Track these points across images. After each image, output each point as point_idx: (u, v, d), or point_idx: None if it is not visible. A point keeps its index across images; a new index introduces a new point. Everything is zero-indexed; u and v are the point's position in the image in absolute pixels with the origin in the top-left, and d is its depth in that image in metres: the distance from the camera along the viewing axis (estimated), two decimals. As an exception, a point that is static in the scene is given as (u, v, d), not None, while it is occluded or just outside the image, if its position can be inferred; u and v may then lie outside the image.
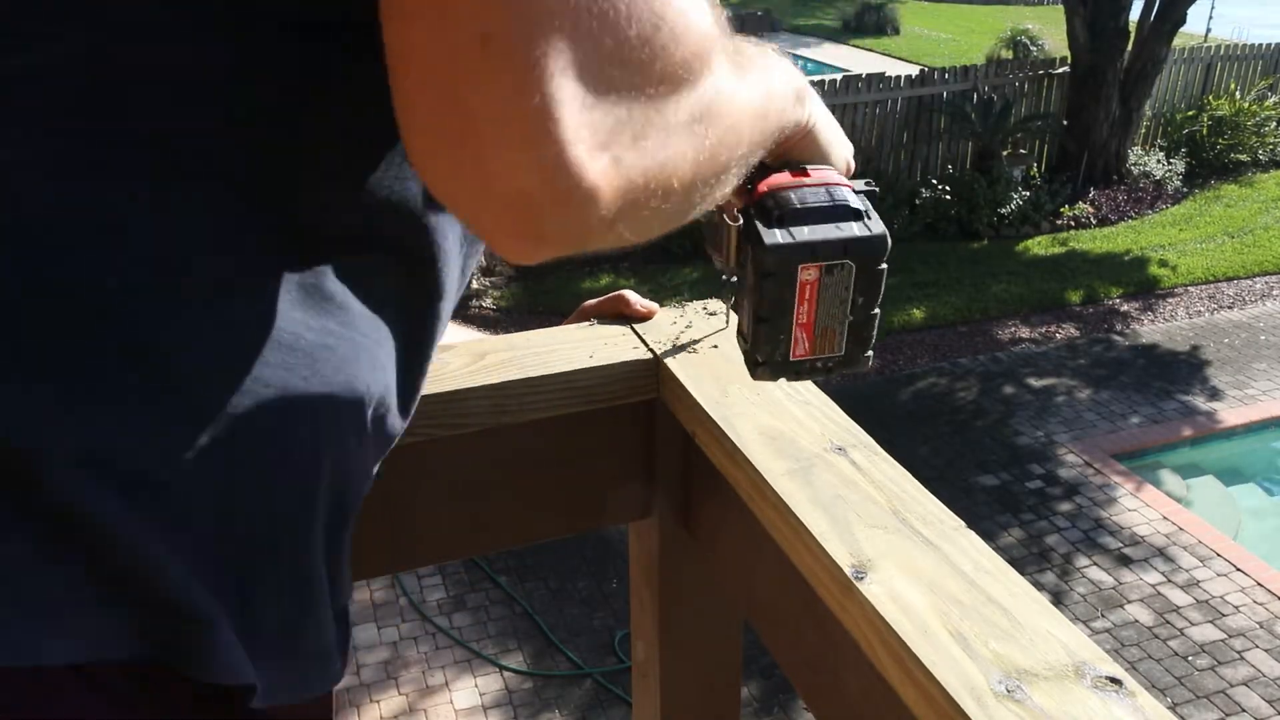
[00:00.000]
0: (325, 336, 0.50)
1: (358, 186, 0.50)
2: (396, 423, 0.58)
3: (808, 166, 0.64)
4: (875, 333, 0.65)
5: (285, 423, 0.48)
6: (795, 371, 0.66)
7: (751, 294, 0.62)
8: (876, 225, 0.61)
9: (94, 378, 0.43)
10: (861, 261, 0.61)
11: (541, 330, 0.92)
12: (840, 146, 0.68)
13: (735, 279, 0.67)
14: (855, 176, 0.68)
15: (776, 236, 0.59)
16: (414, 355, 0.58)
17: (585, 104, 0.39)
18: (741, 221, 0.62)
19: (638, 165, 0.42)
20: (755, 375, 0.67)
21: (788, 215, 0.60)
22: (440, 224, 0.54)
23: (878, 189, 0.66)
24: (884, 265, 0.62)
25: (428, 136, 0.40)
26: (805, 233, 0.60)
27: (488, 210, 0.41)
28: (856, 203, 0.62)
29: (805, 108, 0.64)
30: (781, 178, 0.62)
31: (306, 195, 0.49)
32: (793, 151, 0.65)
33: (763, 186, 0.62)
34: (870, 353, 0.66)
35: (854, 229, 0.60)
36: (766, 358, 0.64)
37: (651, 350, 0.87)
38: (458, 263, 0.58)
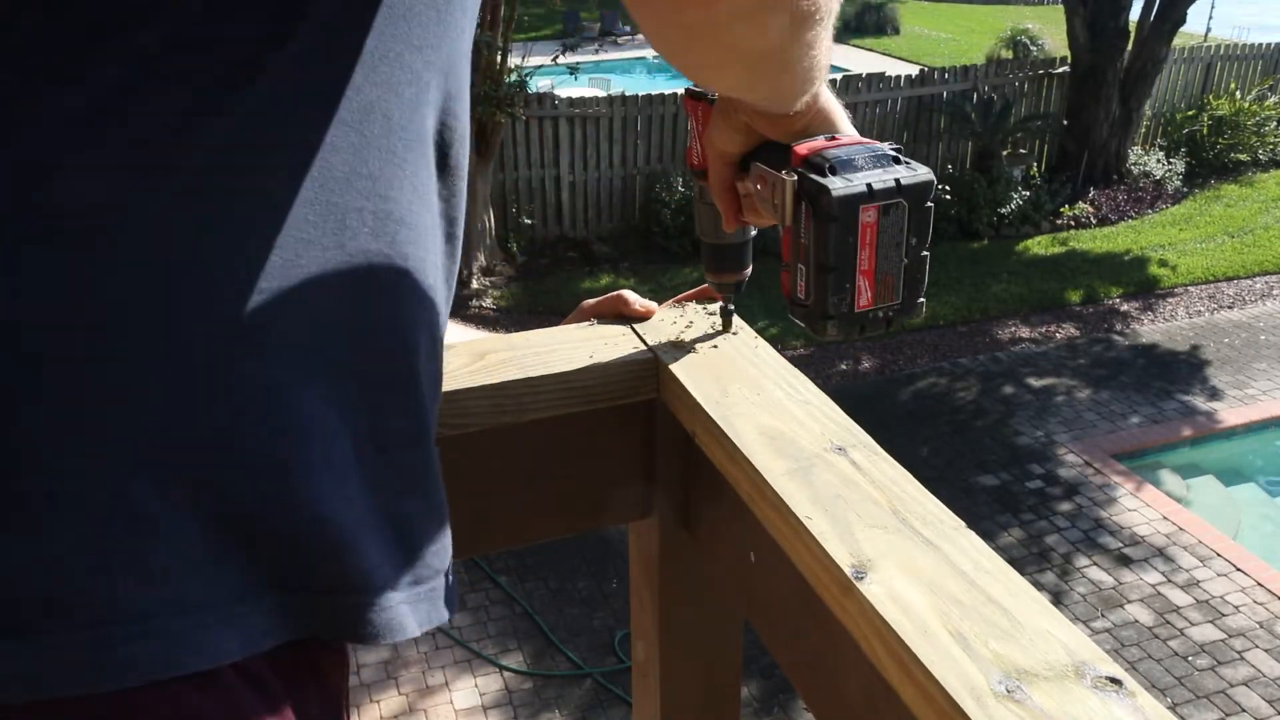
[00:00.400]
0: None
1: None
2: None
3: (834, 135, 0.68)
4: (927, 276, 0.69)
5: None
6: (861, 324, 0.69)
7: (816, 246, 0.65)
8: (920, 167, 0.66)
9: None
10: (913, 200, 0.65)
11: (541, 330, 0.92)
12: (848, 123, 0.72)
13: (790, 251, 0.69)
14: None
15: (836, 183, 0.63)
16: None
17: None
18: (796, 178, 0.65)
19: None
20: (822, 332, 0.69)
21: (838, 165, 0.64)
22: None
23: (903, 148, 0.69)
24: (931, 204, 0.66)
25: None
26: (859, 177, 0.64)
27: None
28: (893, 152, 0.67)
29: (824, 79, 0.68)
30: (817, 143, 0.66)
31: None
32: (812, 126, 0.69)
33: (802, 150, 0.66)
34: (924, 299, 0.70)
35: (900, 171, 0.65)
36: (835, 310, 0.67)
37: (652, 350, 0.87)
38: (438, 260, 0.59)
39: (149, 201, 0.44)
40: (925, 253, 0.68)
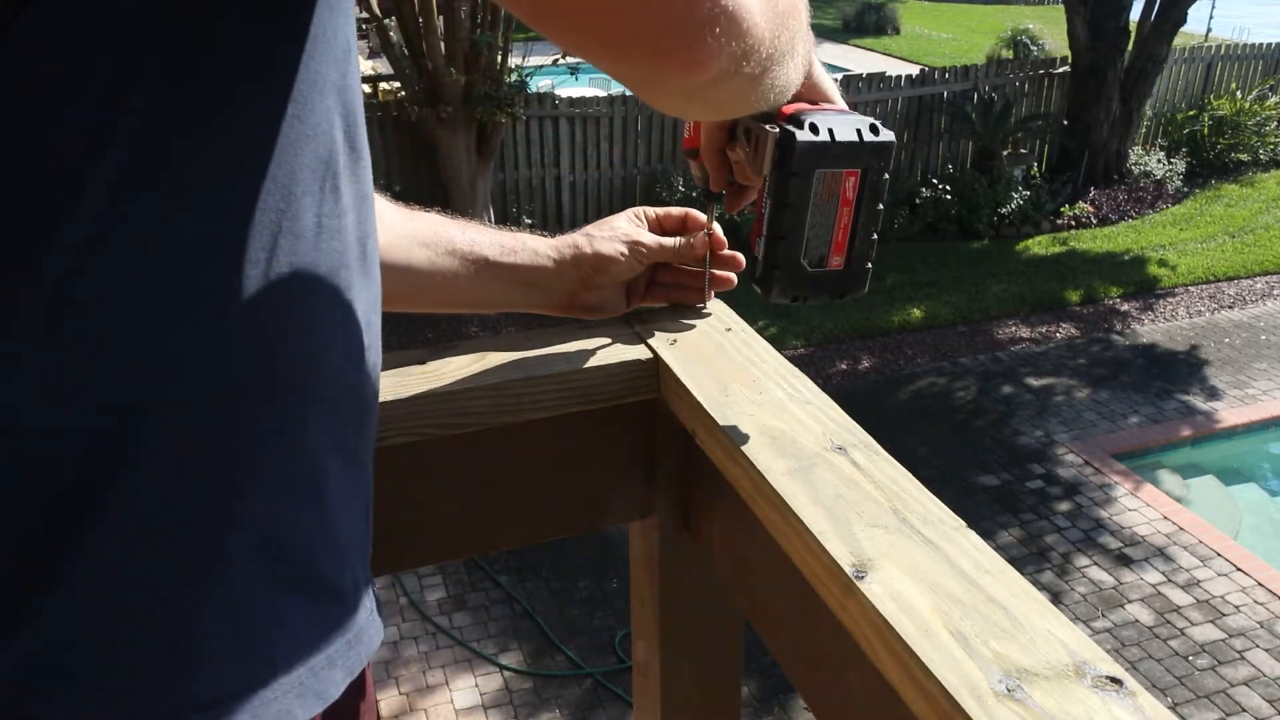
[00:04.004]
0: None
1: None
2: None
3: (821, 104, 0.72)
4: (875, 247, 0.73)
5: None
6: (808, 284, 0.72)
7: (777, 194, 0.69)
8: (886, 133, 0.70)
9: None
10: (876, 164, 0.69)
11: (542, 330, 0.92)
12: (840, 97, 0.75)
13: (767, 201, 0.71)
14: None
15: (804, 135, 0.67)
16: None
17: None
18: (778, 131, 0.68)
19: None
20: (768, 288, 0.72)
21: (818, 125, 0.68)
22: None
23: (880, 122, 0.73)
24: (887, 175, 0.71)
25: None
26: (828, 134, 0.68)
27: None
28: (871, 122, 0.70)
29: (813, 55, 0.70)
30: (800, 105, 0.70)
31: None
32: (803, 94, 0.71)
33: (788, 109, 0.69)
34: (870, 268, 0.74)
35: (867, 134, 0.69)
36: (784, 261, 0.70)
37: (652, 350, 0.87)
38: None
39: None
40: (878, 219, 0.72)
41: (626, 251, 0.88)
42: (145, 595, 0.47)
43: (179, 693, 0.47)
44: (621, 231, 0.90)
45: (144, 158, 0.43)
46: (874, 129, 0.69)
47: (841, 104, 0.73)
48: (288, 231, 0.49)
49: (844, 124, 0.68)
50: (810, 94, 0.72)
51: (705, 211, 0.89)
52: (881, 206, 0.71)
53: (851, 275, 0.73)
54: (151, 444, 0.46)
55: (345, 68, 0.51)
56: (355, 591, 0.56)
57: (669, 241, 0.90)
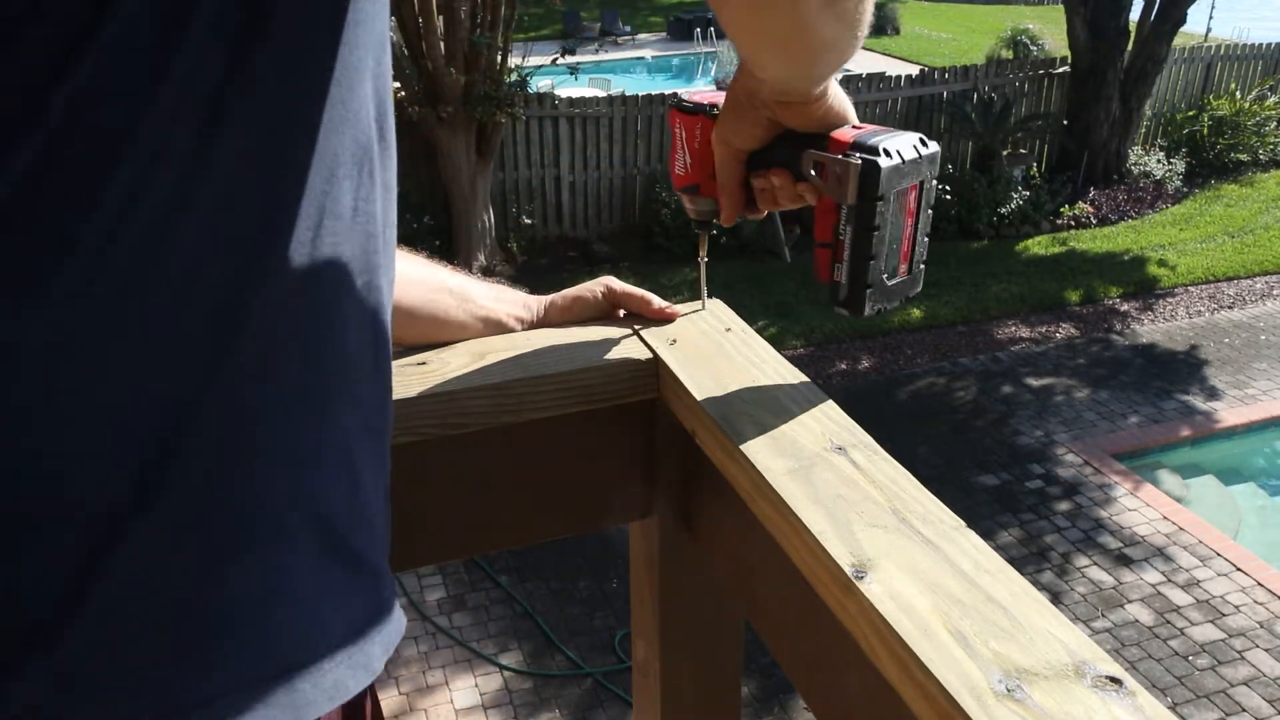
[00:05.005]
0: None
1: None
2: None
3: (858, 124, 0.75)
4: (927, 247, 0.78)
5: None
6: (889, 297, 0.76)
7: (862, 221, 0.72)
8: (933, 143, 0.75)
9: None
10: (931, 172, 0.74)
11: (542, 330, 0.92)
12: (854, 112, 0.77)
13: (842, 225, 0.75)
14: None
15: (886, 159, 0.70)
16: None
17: None
18: (860, 161, 0.71)
19: None
20: (860, 308, 0.76)
21: (886, 149, 0.71)
22: None
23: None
24: (936, 180, 0.76)
25: None
26: (898, 155, 0.71)
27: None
28: (913, 133, 0.74)
29: None
30: (848, 131, 0.73)
31: None
32: (829, 114, 0.74)
33: (845, 137, 0.72)
34: (924, 266, 0.79)
35: (922, 148, 0.73)
36: (874, 281, 0.74)
37: (652, 350, 0.87)
38: None
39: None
40: (929, 223, 0.77)
41: (598, 289, 0.95)
42: (206, 573, 0.47)
43: (250, 662, 0.48)
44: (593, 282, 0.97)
45: (210, 136, 0.45)
46: (923, 142, 0.74)
47: (855, 119, 0.76)
48: (330, 213, 0.50)
49: (903, 142, 0.72)
50: (841, 115, 0.74)
51: (696, 243, 0.92)
52: (931, 210, 0.77)
53: (914, 278, 0.78)
54: (204, 421, 0.46)
55: (380, 55, 0.53)
56: (384, 570, 0.57)
57: (636, 291, 0.95)
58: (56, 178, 0.42)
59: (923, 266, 0.79)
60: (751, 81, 0.72)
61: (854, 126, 0.74)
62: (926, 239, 0.77)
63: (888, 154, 0.70)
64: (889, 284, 0.76)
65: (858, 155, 0.71)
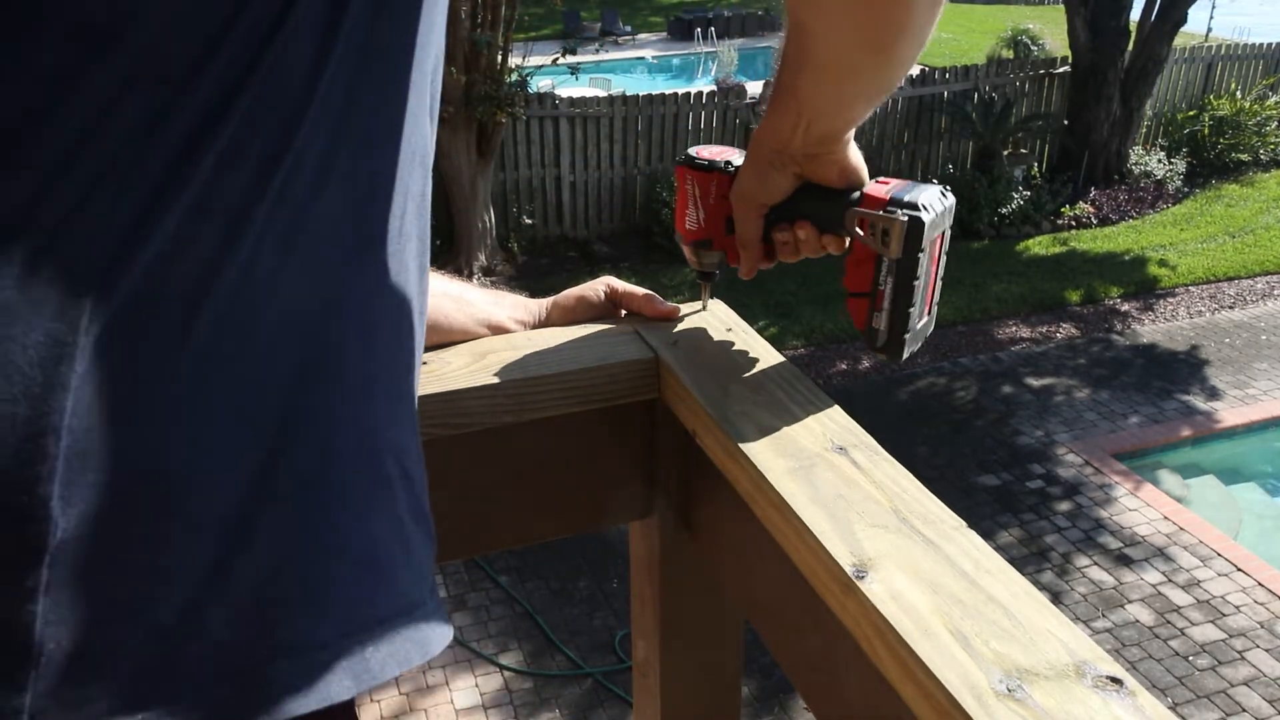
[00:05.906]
0: None
1: None
2: None
3: (882, 179, 0.78)
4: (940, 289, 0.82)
5: None
6: (918, 340, 0.80)
7: (904, 273, 0.75)
8: (950, 194, 0.78)
9: None
10: (951, 221, 0.78)
11: (542, 330, 0.92)
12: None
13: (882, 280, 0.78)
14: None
15: (922, 214, 0.73)
16: None
17: None
18: (904, 216, 0.74)
19: None
20: (899, 354, 0.79)
21: (923, 204, 0.74)
22: None
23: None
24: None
25: None
26: (932, 209, 0.75)
27: None
28: (934, 185, 0.78)
29: None
30: (879, 186, 0.77)
31: None
32: (848, 167, 0.77)
33: (880, 193, 0.75)
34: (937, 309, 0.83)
35: (944, 199, 0.77)
36: (911, 326, 0.77)
37: (652, 350, 0.87)
38: None
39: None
40: (944, 266, 0.81)
41: (600, 289, 0.96)
42: (340, 518, 0.49)
43: (385, 602, 0.49)
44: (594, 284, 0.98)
45: (346, 115, 0.48)
46: (944, 193, 0.77)
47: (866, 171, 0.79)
48: (411, 197, 0.54)
49: (932, 196, 0.75)
50: (858, 167, 0.78)
51: (700, 293, 0.94)
52: (945, 256, 0.80)
53: (932, 318, 0.82)
54: (327, 380, 0.48)
55: (439, 57, 0.57)
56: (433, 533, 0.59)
57: (638, 291, 0.96)
58: (258, 131, 0.45)
59: (937, 307, 0.82)
60: (783, 135, 0.74)
61: (878, 181, 0.77)
62: (940, 282, 0.81)
63: (926, 209, 0.74)
64: (918, 327, 0.79)
65: (901, 211, 0.74)
